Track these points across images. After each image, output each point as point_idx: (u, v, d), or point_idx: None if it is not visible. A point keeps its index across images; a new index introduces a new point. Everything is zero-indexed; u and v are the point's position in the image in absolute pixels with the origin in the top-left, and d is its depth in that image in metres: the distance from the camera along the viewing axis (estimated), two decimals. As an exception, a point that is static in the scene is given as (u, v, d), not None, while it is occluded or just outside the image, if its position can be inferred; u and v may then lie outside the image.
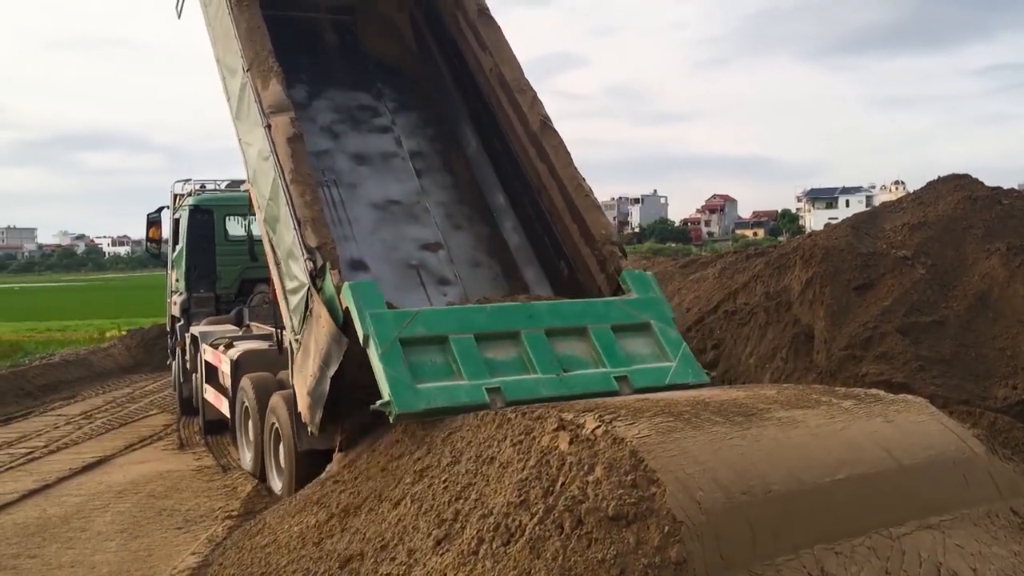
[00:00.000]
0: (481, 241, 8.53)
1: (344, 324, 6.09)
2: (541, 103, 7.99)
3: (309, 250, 6.45)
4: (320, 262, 6.36)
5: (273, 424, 8.11)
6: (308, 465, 7.22)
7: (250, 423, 8.96)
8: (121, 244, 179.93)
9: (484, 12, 8.55)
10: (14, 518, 7.84)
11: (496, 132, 8.56)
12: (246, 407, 9.00)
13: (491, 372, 6.02)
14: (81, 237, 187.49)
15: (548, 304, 6.71)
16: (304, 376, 6.68)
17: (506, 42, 8.39)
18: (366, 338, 5.94)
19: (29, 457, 10.38)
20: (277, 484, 8.15)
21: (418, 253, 8.22)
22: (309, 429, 6.70)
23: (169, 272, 13.79)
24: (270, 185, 7.17)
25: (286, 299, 7.07)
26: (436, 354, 6.04)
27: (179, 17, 9.92)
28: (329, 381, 6.24)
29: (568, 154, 7.82)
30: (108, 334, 24.00)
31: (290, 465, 7.65)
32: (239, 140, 8.00)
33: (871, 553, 3.72)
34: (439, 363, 6.00)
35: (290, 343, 7.19)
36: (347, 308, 6.07)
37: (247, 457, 9.30)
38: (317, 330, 6.38)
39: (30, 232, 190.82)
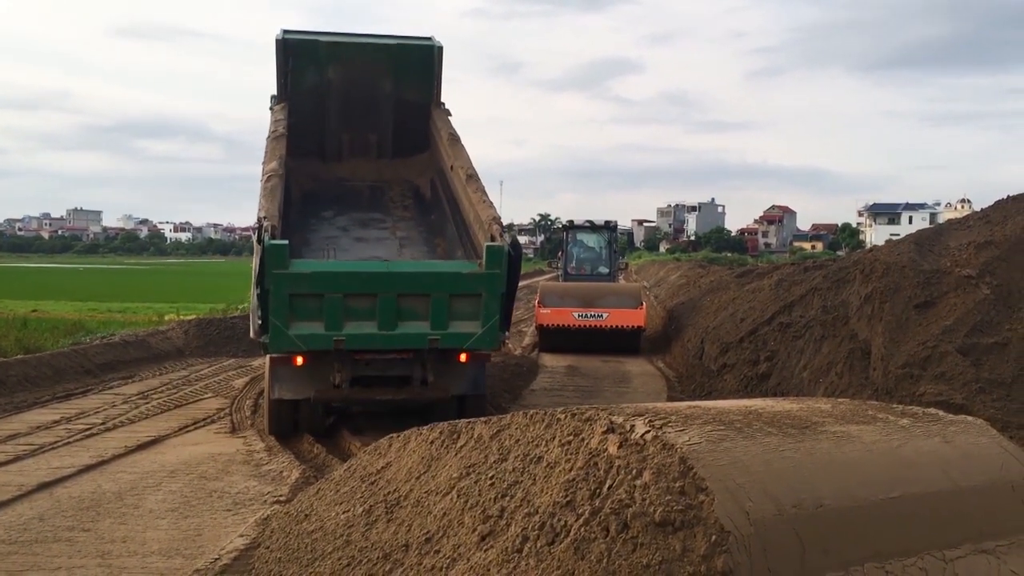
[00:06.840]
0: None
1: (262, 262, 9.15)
2: (472, 167, 11.44)
3: (259, 219, 9.60)
4: (263, 224, 9.38)
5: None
6: (279, 410, 10.33)
7: None
8: (183, 230, 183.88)
9: (454, 139, 12.12)
10: (70, 492, 8.05)
11: (451, 196, 11.79)
12: None
13: (347, 319, 9.29)
14: (144, 222, 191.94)
15: (410, 274, 9.66)
16: (250, 294, 10.40)
17: (464, 150, 11.86)
18: (266, 291, 9.07)
19: (87, 433, 10.64)
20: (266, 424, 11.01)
21: None
22: (250, 332, 10.36)
23: None
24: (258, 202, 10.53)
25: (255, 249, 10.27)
26: (313, 303, 9.24)
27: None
28: (256, 296, 9.35)
29: (478, 186, 10.98)
30: (167, 317, 24.48)
31: (265, 409, 10.91)
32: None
33: (923, 574, 3.65)
34: (312, 309, 9.24)
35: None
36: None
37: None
38: (255, 260, 9.41)
39: (96, 215, 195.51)
